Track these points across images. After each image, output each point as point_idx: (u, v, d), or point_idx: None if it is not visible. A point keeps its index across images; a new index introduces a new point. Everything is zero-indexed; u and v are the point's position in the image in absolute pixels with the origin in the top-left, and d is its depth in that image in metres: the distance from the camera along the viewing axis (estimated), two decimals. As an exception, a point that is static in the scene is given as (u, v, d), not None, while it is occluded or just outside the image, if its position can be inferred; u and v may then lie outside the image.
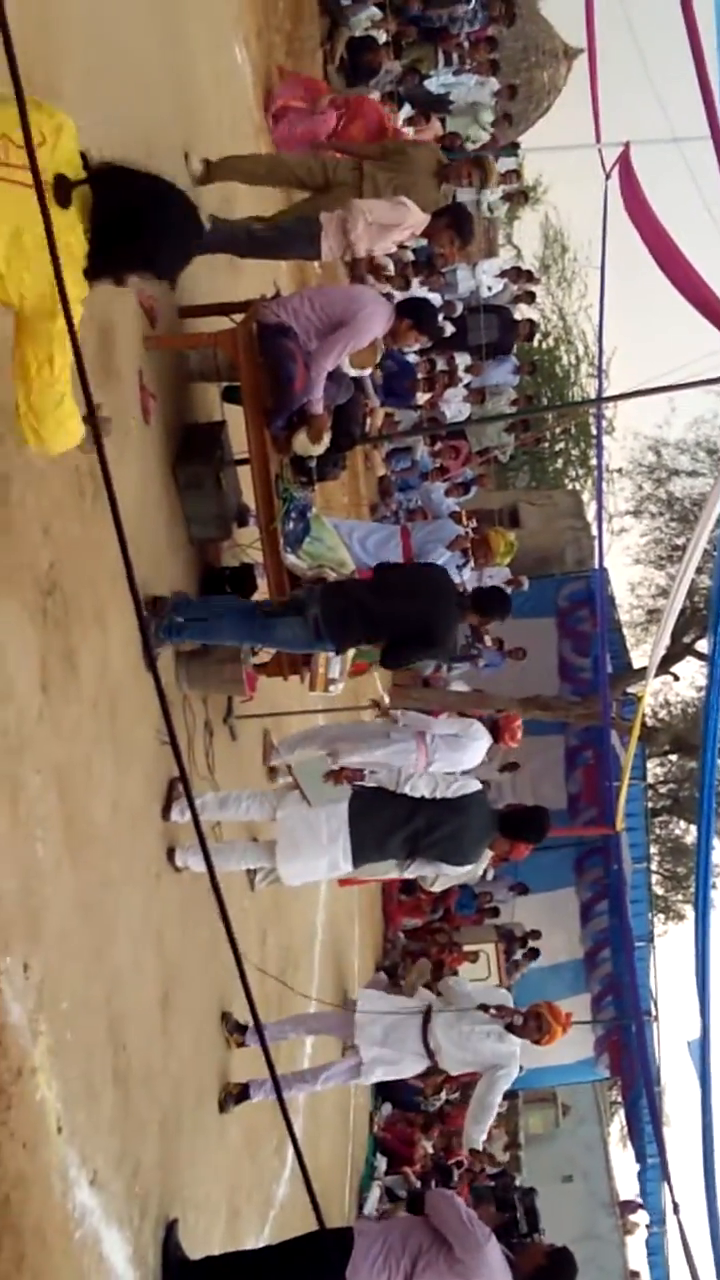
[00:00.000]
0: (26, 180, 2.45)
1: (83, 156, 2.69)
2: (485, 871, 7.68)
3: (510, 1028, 6.80)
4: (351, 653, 7.36)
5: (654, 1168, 18.62)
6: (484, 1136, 7.57)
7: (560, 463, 34.36)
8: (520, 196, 19.21)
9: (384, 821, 6.11)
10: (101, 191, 2.63)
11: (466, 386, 15.28)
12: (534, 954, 17.19)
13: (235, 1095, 6.29)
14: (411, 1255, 4.84)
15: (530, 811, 6.72)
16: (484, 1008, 6.89)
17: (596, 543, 19.00)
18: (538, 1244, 5.60)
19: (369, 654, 7.48)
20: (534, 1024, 6.76)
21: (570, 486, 32.24)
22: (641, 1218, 21.26)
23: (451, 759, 7.26)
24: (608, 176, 13.92)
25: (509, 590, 16.80)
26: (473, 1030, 6.83)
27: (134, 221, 2.67)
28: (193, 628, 6.05)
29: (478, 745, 7.43)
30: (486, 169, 7.95)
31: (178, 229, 2.82)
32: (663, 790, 28.54)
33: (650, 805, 23.88)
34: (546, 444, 31.10)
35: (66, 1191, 3.89)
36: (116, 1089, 4.44)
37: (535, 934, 17.38)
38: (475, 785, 6.43)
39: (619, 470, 30.60)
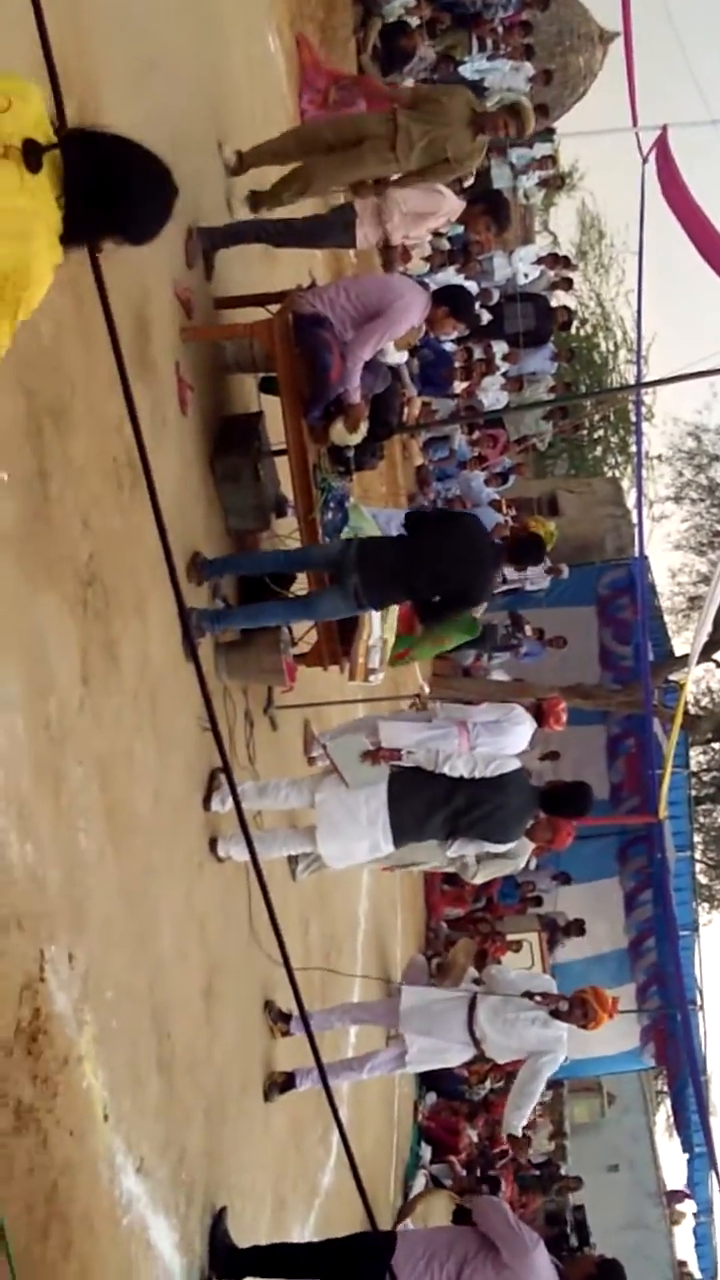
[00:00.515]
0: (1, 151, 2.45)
1: (57, 123, 2.63)
2: (528, 861, 7.65)
3: (555, 1013, 6.77)
4: (392, 641, 7.35)
5: (701, 1157, 18.54)
6: (523, 1123, 7.54)
7: (599, 450, 34.18)
8: (556, 182, 19.11)
9: (423, 802, 6.10)
10: (72, 156, 2.58)
11: (504, 374, 15.22)
12: (581, 930, 17.16)
13: (280, 1084, 6.31)
14: (457, 1261, 4.84)
15: (571, 787, 6.66)
16: (528, 994, 6.86)
17: (637, 530, 18.87)
18: (588, 1255, 5.60)
19: (413, 640, 7.48)
20: (580, 1010, 6.71)
21: (609, 474, 32.07)
22: (689, 1207, 21.19)
23: (495, 744, 7.23)
24: (645, 160, 13.84)
25: (549, 579, 16.85)
26: (518, 1017, 6.79)
27: (106, 186, 2.62)
28: (237, 613, 6.09)
29: (521, 729, 7.38)
30: (523, 116, 7.55)
31: (151, 192, 2.76)
32: (706, 778, 28.34)
33: (693, 793, 23.72)
34: (585, 431, 30.92)
35: (113, 1179, 3.92)
36: (161, 1077, 4.47)
37: (579, 923, 17.35)
38: (514, 764, 6.40)
39: (659, 457, 30.41)
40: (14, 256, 2.53)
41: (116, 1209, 3.94)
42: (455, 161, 7.27)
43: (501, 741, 7.32)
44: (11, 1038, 3.30)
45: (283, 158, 7.54)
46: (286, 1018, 6.39)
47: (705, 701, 27.09)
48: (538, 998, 6.82)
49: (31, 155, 2.52)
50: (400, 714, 8.06)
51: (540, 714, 7.53)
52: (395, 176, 7.44)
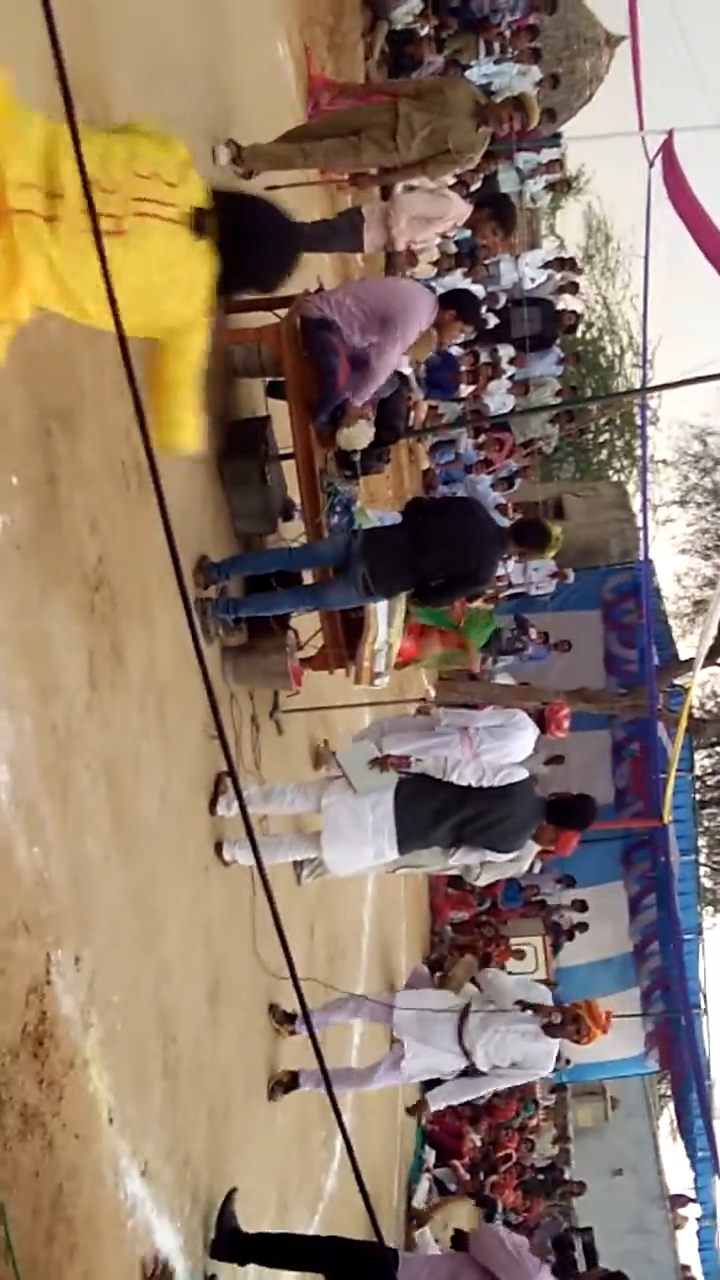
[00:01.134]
0: (175, 216, 2.73)
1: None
2: (532, 864, 7.65)
3: (548, 1027, 6.73)
4: (398, 645, 7.35)
5: (705, 1161, 18.52)
6: (441, 1107, 7.71)
7: (605, 454, 34.17)
8: (563, 186, 19.11)
9: (431, 810, 6.09)
10: (222, 220, 2.85)
11: (510, 378, 15.23)
12: (584, 926, 17.21)
13: (285, 1084, 6.31)
14: None
15: (576, 799, 6.67)
16: (522, 1004, 6.82)
17: (642, 534, 18.88)
18: (592, 1272, 5.58)
19: (427, 613, 7.43)
20: (573, 1026, 6.65)
21: (615, 478, 32.07)
22: (692, 1211, 21.17)
23: (499, 749, 7.24)
24: (651, 164, 13.82)
25: (554, 583, 16.86)
26: (508, 1030, 6.74)
27: (247, 243, 2.90)
28: (248, 601, 6.10)
29: (524, 735, 7.39)
30: (528, 108, 7.40)
31: (283, 246, 3.09)
32: (710, 782, 28.32)
33: (698, 797, 23.72)
34: (591, 435, 30.92)
35: (118, 1182, 3.92)
36: (166, 1080, 4.47)
37: (583, 925, 17.35)
38: (522, 773, 6.40)
39: (664, 460, 30.42)
40: (187, 314, 2.89)
41: (121, 1212, 3.94)
42: (456, 153, 7.15)
43: (506, 747, 7.34)
44: (18, 1041, 3.30)
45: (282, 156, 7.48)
46: (291, 1018, 6.39)
47: (710, 705, 27.07)
48: (528, 1011, 6.79)
49: (199, 222, 2.80)
50: (404, 719, 8.08)
51: (542, 721, 7.53)
52: (396, 167, 7.35)
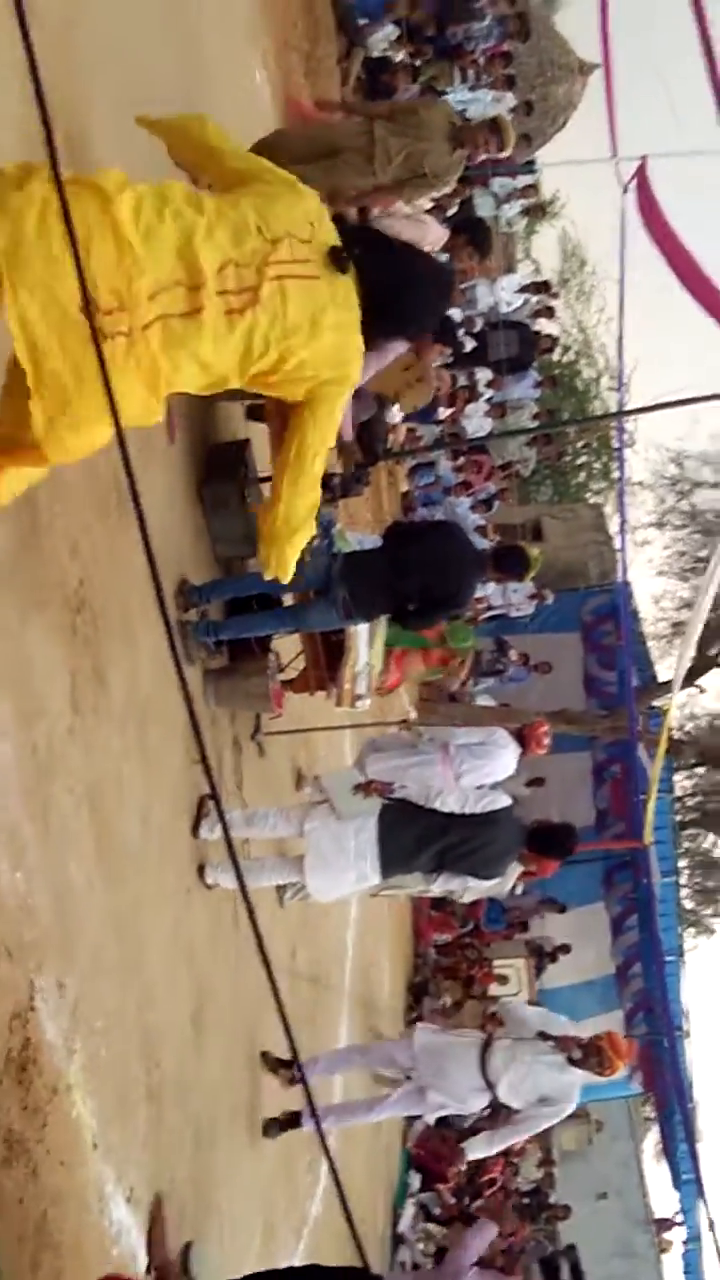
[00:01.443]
0: (315, 273, 2.70)
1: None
2: (514, 887, 7.64)
3: (570, 1060, 6.67)
4: (379, 667, 7.36)
5: (689, 1184, 18.46)
6: (480, 1156, 7.58)
7: (582, 476, 34.34)
8: (538, 211, 19.30)
9: (414, 836, 6.09)
10: (366, 260, 2.82)
11: (488, 401, 15.31)
12: (566, 948, 17.22)
13: (284, 1121, 6.27)
14: None
15: (558, 828, 6.68)
16: (545, 1036, 6.77)
17: (620, 556, 18.97)
18: None
19: (407, 638, 7.44)
20: (595, 1058, 6.56)
21: (592, 500, 32.22)
22: (678, 1235, 21.09)
23: (479, 768, 7.23)
24: (625, 190, 13.94)
25: (534, 604, 16.92)
26: (536, 1060, 6.67)
27: (398, 291, 2.88)
28: (228, 624, 6.10)
29: (504, 753, 7.37)
30: (504, 131, 7.39)
31: (436, 295, 3.10)
32: (690, 803, 28.40)
33: (678, 818, 23.77)
34: (568, 458, 31.08)
35: (103, 1209, 3.90)
36: (150, 1105, 4.45)
37: (565, 948, 17.34)
38: (505, 800, 6.41)
39: (640, 483, 30.57)
40: (332, 358, 2.82)
41: (106, 1239, 3.91)
42: (433, 176, 7.17)
43: (486, 766, 7.31)
44: (1, 1067, 3.28)
45: None
46: (286, 1064, 6.31)
47: (689, 727, 27.16)
48: (549, 1043, 6.73)
49: (336, 260, 2.78)
50: (388, 737, 8.08)
51: (522, 739, 7.52)
52: (373, 189, 7.37)
